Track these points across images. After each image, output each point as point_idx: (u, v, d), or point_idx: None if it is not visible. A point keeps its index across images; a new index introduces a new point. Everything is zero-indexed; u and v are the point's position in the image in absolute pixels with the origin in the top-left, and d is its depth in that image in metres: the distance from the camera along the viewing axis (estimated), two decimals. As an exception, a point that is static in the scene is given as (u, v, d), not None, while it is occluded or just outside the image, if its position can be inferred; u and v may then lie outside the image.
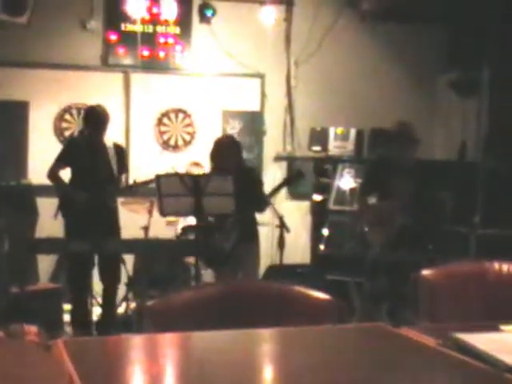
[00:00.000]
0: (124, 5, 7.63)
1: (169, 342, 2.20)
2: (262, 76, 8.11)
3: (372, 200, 5.91)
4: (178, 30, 7.84)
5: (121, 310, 6.41)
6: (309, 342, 2.20)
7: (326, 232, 7.38)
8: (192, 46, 7.91)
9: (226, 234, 5.77)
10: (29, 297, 5.96)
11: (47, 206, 6.53)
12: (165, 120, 7.89)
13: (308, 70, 8.16)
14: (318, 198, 7.90)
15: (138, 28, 7.70)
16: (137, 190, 6.30)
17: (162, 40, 7.78)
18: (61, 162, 6.11)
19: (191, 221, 6.22)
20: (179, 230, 6.65)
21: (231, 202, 5.39)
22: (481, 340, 2.00)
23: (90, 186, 5.96)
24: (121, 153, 6.34)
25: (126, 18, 7.68)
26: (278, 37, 8.08)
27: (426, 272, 2.82)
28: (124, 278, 6.38)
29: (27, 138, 7.49)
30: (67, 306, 6.30)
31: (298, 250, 7.64)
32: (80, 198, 5.92)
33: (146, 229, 6.32)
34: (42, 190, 6.80)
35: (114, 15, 7.70)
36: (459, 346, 2.00)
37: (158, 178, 5.51)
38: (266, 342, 2.25)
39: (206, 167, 6.74)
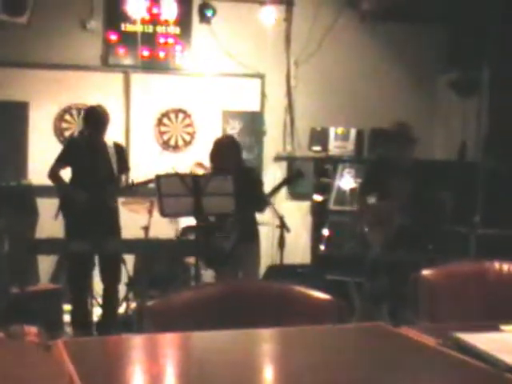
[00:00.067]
0: (124, 5, 7.64)
1: (169, 342, 2.20)
2: (261, 76, 8.11)
3: (371, 200, 5.91)
4: (178, 30, 7.84)
5: (121, 310, 6.41)
6: (309, 342, 2.20)
7: (326, 232, 7.38)
8: (192, 46, 7.92)
9: (226, 234, 5.77)
10: (29, 297, 5.96)
11: (47, 207, 6.54)
12: (165, 120, 7.89)
13: (308, 69, 8.16)
14: (318, 198, 7.90)
15: (138, 28, 7.71)
16: (137, 190, 6.30)
17: (162, 40, 7.78)
18: (61, 161, 6.12)
19: (192, 221, 6.22)
20: (180, 229, 6.66)
21: (231, 201, 5.39)
22: (481, 340, 2.00)
23: (91, 186, 5.96)
24: (121, 152, 6.34)
25: (126, 18, 7.68)
26: (278, 37, 8.08)
27: (426, 272, 2.82)
28: (124, 278, 6.38)
29: (27, 139, 7.49)
30: (67, 307, 6.29)
31: (299, 250, 7.64)
32: (80, 197, 5.93)
33: (146, 229, 6.32)
34: (42, 191, 6.80)
35: (114, 15, 7.70)
36: (459, 345, 2.00)
37: (158, 178, 5.51)
38: (266, 342, 2.25)
39: (209, 166, 6.73)
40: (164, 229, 6.70)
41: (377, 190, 5.87)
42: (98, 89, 7.64)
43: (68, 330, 6.18)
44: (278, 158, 8.19)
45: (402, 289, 5.07)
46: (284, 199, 7.92)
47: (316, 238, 7.69)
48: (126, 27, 7.71)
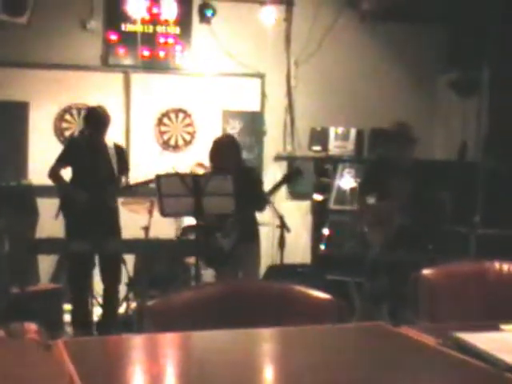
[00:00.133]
0: (124, 5, 7.64)
1: (169, 342, 2.20)
2: (262, 76, 8.11)
3: (371, 200, 5.91)
4: (178, 30, 7.84)
5: (121, 310, 6.41)
6: (309, 342, 2.20)
7: (326, 232, 7.38)
8: (192, 46, 7.92)
9: (226, 234, 5.77)
10: (29, 297, 5.96)
11: (47, 207, 6.54)
12: (165, 120, 7.89)
13: (308, 69, 8.16)
14: (318, 197, 7.90)
15: (138, 28, 7.71)
16: (137, 190, 6.30)
17: (162, 40, 7.78)
18: (61, 161, 6.12)
19: (193, 220, 6.22)
20: (181, 227, 6.66)
21: (231, 201, 5.39)
22: (481, 339, 2.00)
23: (91, 186, 5.96)
24: (121, 153, 6.34)
25: (126, 18, 7.68)
26: (278, 37, 8.08)
27: (426, 272, 2.82)
28: (124, 278, 6.38)
29: (27, 139, 7.49)
30: (68, 307, 6.30)
31: (299, 249, 7.64)
32: (81, 197, 5.93)
33: (146, 229, 6.32)
34: (43, 191, 6.80)
35: (114, 15, 7.70)
36: (459, 345, 2.01)
37: (158, 178, 5.51)
38: (266, 342, 2.25)
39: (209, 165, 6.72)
40: (164, 229, 6.70)
41: (376, 190, 5.87)
42: (98, 89, 7.64)
43: (68, 329, 6.18)
44: (278, 158, 8.19)
45: (401, 289, 5.07)
46: (284, 199, 7.92)
47: (316, 237, 7.69)
48: (126, 27, 7.71)
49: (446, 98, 8.31)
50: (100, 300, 6.23)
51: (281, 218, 5.95)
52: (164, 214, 5.54)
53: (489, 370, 1.86)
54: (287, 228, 5.98)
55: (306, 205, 8.15)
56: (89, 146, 6.08)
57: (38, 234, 6.53)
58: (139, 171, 7.40)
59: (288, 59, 8.16)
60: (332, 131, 7.99)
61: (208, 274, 6.43)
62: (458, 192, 6.67)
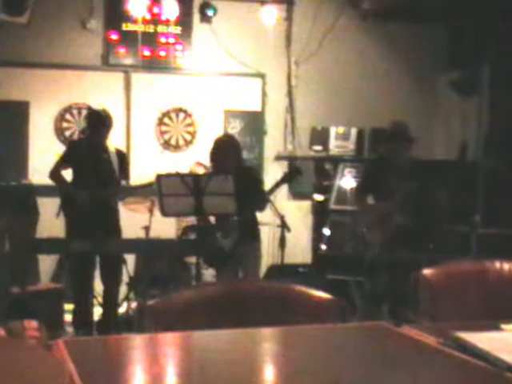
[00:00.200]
0: (125, 4, 7.63)
1: (170, 342, 2.20)
2: (262, 75, 8.11)
3: (370, 200, 5.90)
4: (178, 30, 7.84)
5: (122, 309, 6.41)
6: (310, 342, 2.20)
7: (327, 232, 7.38)
8: (193, 45, 7.91)
9: (227, 234, 5.77)
10: (30, 297, 5.96)
11: (48, 206, 6.54)
12: (166, 120, 7.89)
13: (309, 69, 8.16)
14: (318, 197, 7.90)
15: (138, 27, 7.71)
16: (137, 190, 6.30)
17: (162, 39, 7.78)
18: (62, 162, 6.11)
19: (193, 220, 6.22)
20: (182, 227, 6.66)
21: (232, 201, 5.39)
22: (482, 339, 2.00)
23: (91, 187, 5.96)
24: (122, 158, 6.32)
25: (127, 18, 7.68)
26: (279, 36, 8.08)
27: (426, 271, 2.82)
28: (125, 278, 6.37)
29: (27, 138, 7.49)
30: (68, 306, 6.30)
31: (299, 249, 7.64)
32: (81, 197, 5.92)
33: (147, 228, 6.32)
34: (43, 190, 6.80)
35: (115, 15, 7.70)
36: (460, 344, 2.00)
37: (159, 177, 5.51)
38: (266, 342, 2.25)
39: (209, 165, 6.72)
40: (165, 228, 6.70)
41: (375, 190, 5.85)
42: (99, 88, 7.64)
43: (69, 329, 6.18)
44: (278, 158, 8.19)
45: (401, 288, 5.07)
46: (285, 199, 7.92)
47: (317, 237, 7.69)
48: (127, 27, 7.71)
49: (446, 97, 8.31)
50: (100, 300, 6.22)
51: (281, 217, 5.95)
52: (165, 213, 5.54)
53: (489, 370, 1.86)
54: (288, 228, 5.98)
55: (306, 205, 8.15)
56: (90, 148, 6.07)
57: (38, 234, 6.53)
58: (140, 171, 7.41)
59: (288, 58, 8.16)
60: (333, 131, 8.00)
61: (208, 274, 6.44)
62: (458, 191, 6.66)
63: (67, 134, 7.57)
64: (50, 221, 6.14)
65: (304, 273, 7.25)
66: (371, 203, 5.88)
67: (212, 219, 5.95)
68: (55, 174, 6.11)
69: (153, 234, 6.41)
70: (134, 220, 6.36)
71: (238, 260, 5.76)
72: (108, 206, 6.10)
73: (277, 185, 5.92)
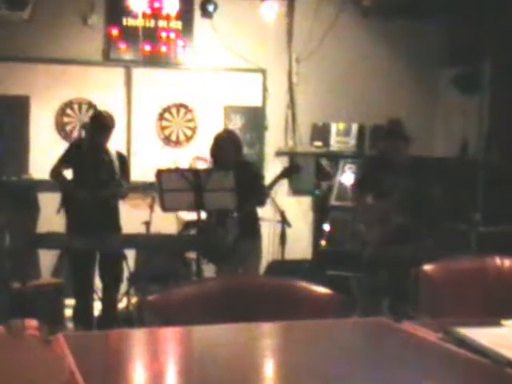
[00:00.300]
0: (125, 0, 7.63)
1: (170, 337, 2.21)
2: (263, 71, 8.10)
3: (368, 198, 5.87)
4: (179, 25, 7.83)
5: (122, 305, 6.41)
6: (310, 336, 2.20)
7: (327, 227, 7.38)
8: (194, 40, 7.90)
9: (227, 230, 5.77)
10: (30, 292, 5.96)
11: (48, 201, 6.54)
12: (166, 115, 7.88)
13: (310, 65, 8.15)
14: (319, 193, 7.90)
15: (139, 23, 7.69)
16: (137, 186, 6.30)
17: (163, 35, 7.76)
18: (63, 162, 6.11)
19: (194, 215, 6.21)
20: (182, 223, 6.66)
21: (233, 197, 5.39)
22: (481, 335, 2.01)
23: (92, 187, 5.95)
24: (123, 161, 6.32)
25: (128, 13, 7.66)
26: (280, 32, 8.08)
27: (427, 267, 2.82)
28: (125, 273, 6.37)
29: (28, 133, 7.48)
30: (69, 301, 6.30)
31: (300, 245, 7.63)
32: (81, 197, 5.92)
33: (147, 224, 6.32)
34: (44, 185, 6.80)
35: (116, 10, 7.68)
36: (460, 340, 2.01)
37: (160, 173, 5.51)
38: (267, 337, 2.25)
39: (209, 160, 6.72)
40: (165, 224, 6.71)
41: (372, 188, 5.82)
42: (100, 84, 7.63)
43: (69, 324, 6.18)
44: (279, 154, 8.18)
45: (401, 284, 5.07)
46: (285, 194, 7.92)
47: (317, 233, 7.69)
48: (128, 22, 7.69)
49: (447, 94, 8.30)
50: (100, 295, 6.22)
51: (282, 213, 5.95)
52: (165, 209, 5.54)
53: (489, 365, 1.86)
54: (288, 223, 5.98)
55: (307, 200, 8.15)
56: (91, 149, 6.07)
57: (38, 229, 6.54)
58: (140, 166, 7.41)
59: (289, 55, 8.16)
60: (333, 127, 7.99)
61: (209, 270, 6.43)
62: (458, 189, 6.66)
63: (68, 129, 7.56)
64: (51, 216, 6.14)
65: (304, 268, 7.26)
66: (369, 201, 5.86)
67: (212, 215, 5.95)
68: (56, 173, 6.10)
69: (153, 229, 6.41)
70: (134, 215, 6.36)
71: (238, 256, 5.76)
72: (108, 203, 6.10)
73: (276, 180, 5.93)
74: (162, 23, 7.76)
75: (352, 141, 7.96)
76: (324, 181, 7.88)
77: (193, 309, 2.42)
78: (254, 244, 5.92)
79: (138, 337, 2.21)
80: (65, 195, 6.06)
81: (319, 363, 1.91)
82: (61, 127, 7.58)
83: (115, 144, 6.40)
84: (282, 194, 7.51)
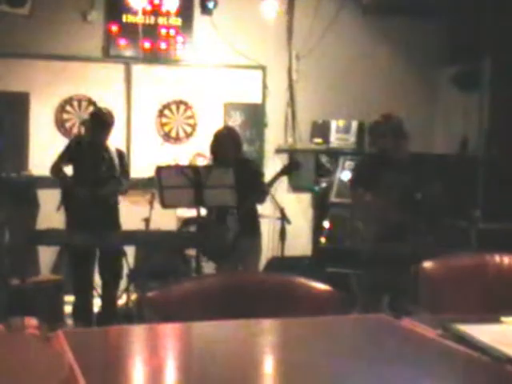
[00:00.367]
0: (125, -4, 7.62)
1: (169, 333, 2.20)
2: (263, 68, 8.10)
3: (366, 195, 5.85)
4: (179, 22, 7.82)
5: (122, 301, 6.42)
6: (310, 333, 2.20)
7: (326, 224, 7.38)
8: (193, 37, 7.90)
9: (227, 227, 5.77)
10: (30, 289, 5.96)
11: (48, 198, 6.54)
12: (166, 112, 7.88)
13: (310, 62, 8.15)
14: (319, 190, 7.90)
15: (139, 19, 7.68)
16: (137, 182, 6.30)
17: (163, 31, 7.76)
18: (63, 159, 6.11)
19: (193, 212, 6.21)
20: (182, 220, 6.66)
21: (232, 194, 5.39)
22: (481, 332, 2.01)
23: (91, 184, 5.95)
24: (123, 159, 6.32)
25: (128, 10, 7.66)
26: (280, 29, 8.07)
27: (426, 264, 2.82)
28: (125, 270, 6.37)
29: (28, 130, 7.48)
30: (68, 298, 6.30)
31: (299, 242, 7.63)
32: (81, 194, 5.92)
33: (147, 221, 6.32)
34: (43, 182, 6.80)
35: (115, 6, 7.68)
36: (460, 337, 2.01)
37: (159, 169, 5.51)
38: (266, 333, 2.25)
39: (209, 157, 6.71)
40: (165, 221, 6.71)
41: (369, 185, 5.78)
42: (99, 80, 7.63)
43: (68, 321, 6.18)
44: (279, 151, 8.18)
45: (401, 281, 5.07)
46: (285, 191, 7.92)
47: (317, 230, 7.69)
48: (127, 18, 7.69)
49: (447, 91, 8.30)
50: (100, 291, 6.22)
51: (282, 210, 5.94)
52: (165, 205, 5.54)
53: (488, 362, 1.86)
54: (288, 220, 5.98)
55: (306, 197, 8.15)
56: (91, 146, 6.07)
57: (38, 226, 6.54)
58: (140, 163, 7.42)
59: (289, 52, 8.15)
60: (333, 124, 7.99)
61: (208, 267, 6.43)
62: (458, 186, 6.66)
63: (67, 125, 7.56)
64: (50, 212, 6.14)
65: (304, 265, 7.26)
66: (367, 198, 5.83)
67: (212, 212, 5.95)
68: (56, 169, 6.10)
69: (153, 226, 6.41)
70: (134, 212, 6.36)
71: (238, 253, 5.76)
72: (108, 200, 6.10)
73: (276, 177, 5.92)
74: (161, 20, 7.75)
75: (352, 138, 7.95)
76: (323, 177, 7.88)
77: (192, 305, 2.42)
78: (253, 241, 5.92)
79: (137, 333, 2.21)
80: (65, 192, 6.06)
81: (319, 360, 1.91)
82: (60, 124, 7.57)
83: (115, 141, 6.41)
84: (281, 190, 7.52)
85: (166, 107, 7.88)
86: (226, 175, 5.43)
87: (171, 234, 6.41)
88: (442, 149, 8.18)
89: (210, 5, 7.75)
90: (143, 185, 6.38)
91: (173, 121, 7.89)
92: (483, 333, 1.99)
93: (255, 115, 8.13)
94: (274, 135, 8.18)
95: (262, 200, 5.91)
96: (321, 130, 8.04)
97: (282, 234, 5.95)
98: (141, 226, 6.33)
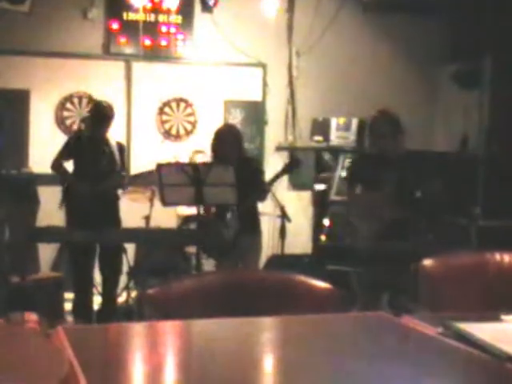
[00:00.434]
0: (126, -7, 7.62)
1: (169, 330, 2.20)
2: (263, 66, 8.10)
3: (358, 190, 5.82)
4: (179, 19, 7.82)
5: (122, 299, 6.42)
6: (310, 331, 2.20)
7: (327, 222, 7.38)
8: (194, 35, 7.89)
9: (227, 224, 5.77)
10: (30, 286, 5.96)
11: (48, 195, 6.55)
12: (166, 109, 7.88)
13: (310, 60, 8.14)
14: (319, 188, 7.90)
15: (139, 17, 7.68)
16: (137, 179, 6.30)
17: (163, 29, 7.76)
18: (64, 154, 6.11)
19: (194, 210, 6.21)
20: (182, 217, 6.66)
21: (233, 192, 5.38)
22: (481, 329, 2.00)
23: (92, 179, 5.96)
24: (123, 151, 6.33)
25: (128, 7, 7.65)
26: (280, 26, 8.06)
27: (426, 262, 2.82)
28: (125, 267, 6.38)
29: (28, 127, 7.48)
30: (68, 295, 6.30)
31: (300, 239, 7.64)
32: (82, 188, 5.92)
33: (147, 218, 6.32)
34: (44, 179, 6.80)
35: (116, 4, 7.68)
36: (460, 335, 2.01)
37: (159, 167, 5.51)
38: (267, 331, 2.25)
39: (209, 154, 6.71)
40: (165, 218, 6.70)
41: (364, 182, 5.77)
42: (100, 78, 7.63)
43: (68, 318, 6.18)
44: (279, 148, 8.18)
45: (400, 279, 5.06)
46: (285, 189, 7.92)
47: (317, 228, 7.69)
48: (128, 16, 7.69)
49: (447, 89, 8.29)
50: (100, 289, 6.23)
51: (282, 208, 5.94)
52: (165, 203, 5.54)
53: (488, 360, 1.86)
54: (288, 218, 5.98)
55: (307, 195, 8.15)
56: (91, 140, 6.07)
57: (38, 223, 6.54)
58: (140, 160, 7.41)
59: (290, 49, 8.15)
60: (333, 122, 7.98)
61: (209, 264, 6.43)
62: (458, 184, 6.65)
63: (68, 122, 7.56)
64: (51, 209, 6.14)
65: (304, 263, 7.26)
66: (361, 194, 5.81)
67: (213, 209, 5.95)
68: (57, 165, 6.11)
69: (153, 223, 6.41)
70: (134, 209, 6.36)
71: (238, 250, 5.75)
72: (109, 196, 6.10)
73: (277, 176, 5.91)
74: (162, 17, 7.75)
75: (352, 136, 7.95)
76: (324, 173, 7.87)
77: (192, 303, 2.42)
78: (254, 239, 5.92)
79: (137, 330, 2.21)
80: (66, 189, 6.06)
81: (319, 358, 1.91)
82: (61, 121, 7.57)
83: (115, 138, 6.40)
84: (282, 188, 7.51)
85: (166, 105, 7.88)
86: (226, 173, 5.43)
87: (171, 232, 6.40)
88: (443, 147, 8.18)
89: (211, 2, 7.75)
90: (144, 178, 6.35)
91: (173, 118, 7.89)
92: (483, 331, 1.99)
93: (255, 113, 8.13)
94: (274, 133, 8.18)
95: (262, 198, 5.90)
96: (321, 127, 8.04)
97: (282, 232, 5.95)
98: (141, 223, 6.34)
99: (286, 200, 6.66)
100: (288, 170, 6.09)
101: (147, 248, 6.74)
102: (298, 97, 8.22)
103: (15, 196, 6.56)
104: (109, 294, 6.20)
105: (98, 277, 6.23)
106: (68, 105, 7.59)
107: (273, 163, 7.79)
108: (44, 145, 7.20)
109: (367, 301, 5.51)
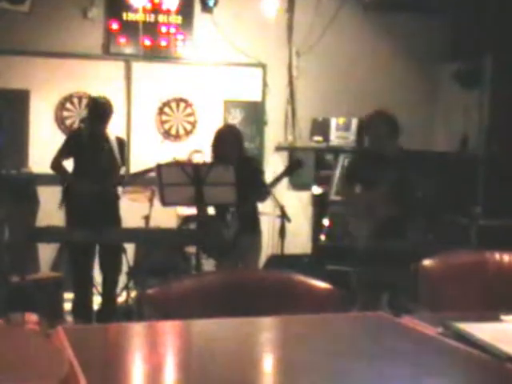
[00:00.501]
0: (126, -7, 7.62)
1: (169, 330, 2.20)
2: (263, 66, 8.09)
3: (355, 188, 5.82)
4: (179, 20, 7.82)
5: (121, 299, 6.42)
6: (310, 331, 2.20)
7: (326, 222, 7.38)
8: (194, 35, 7.89)
9: (227, 224, 5.77)
10: (29, 286, 5.96)
11: (48, 195, 6.55)
12: (166, 109, 7.88)
13: (310, 60, 8.14)
14: (319, 188, 7.90)
15: (139, 17, 7.68)
16: (137, 179, 6.30)
17: (163, 29, 7.76)
18: (63, 153, 6.11)
19: (193, 210, 6.22)
20: (182, 217, 6.66)
21: (233, 192, 5.38)
22: (481, 329, 2.01)
23: (93, 177, 5.96)
24: (123, 146, 6.33)
25: (128, 7, 7.65)
26: (280, 27, 8.06)
27: (426, 262, 2.82)
28: (125, 267, 6.38)
29: (28, 127, 7.48)
30: (68, 295, 6.30)
31: (299, 239, 7.64)
32: (83, 187, 5.92)
33: (147, 218, 6.31)
34: (43, 179, 6.80)
35: (116, 4, 7.67)
36: (459, 335, 2.01)
37: (159, 167, 5.50)
38: (266, 330, 2.25)
39: (208, 154, 6.71)
40: (165, 218, 6.70)
41: (361, 181, 5.77)
42: (100, 78, 7.62)
43: (68, 318, 6.18)
44: (279, 148, 8.18)
45: (400, 279, 5.06)
46: (285, 189, 7.92)
47: (317, 227, 7.69)
48: (128, 16, 7.69)
49: (448, 88, 8.29)
50: (100, 289, 6.23)
51: (281, 208, 5.94)
52: (165, 203, 5.53)
53: (488, 360, 1.86)
54: (288, 218, 5.97)
55: (306, 195, 8.15)
56: (91, 138, 6.07)
57: (38, 223, 6.54)
58: (140, 160, 7.41)
59: (290, 49, 8.14)
60: (333, 122, 7.98)
61: (208, 264, 6.43)
62: (458, 183, 6.65)
63: (68, 122, 7.56)
64: (50, 209, 6.14)
65: (304, 263, 7.26)
66: (357, 193, 5.81)
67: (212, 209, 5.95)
68: (56, 164, 6.10)
69: (153, 223, 6.41)
70: (133, 209, 6.36)
71: (238, 250, 5.75)
72: (108, 195, 6.10)
73: (278, 178, 5.89)
74: (162, 18, 7.74)
75: (352, 136, 7.94)
76: (324, 171, 7.86)
77: (192, 303, 2.42)
78: (254, 239, 5.91)
79: (137, 330, 2.21)
80: (65, 188, 6.06)
81: (318, 357, 1.91)
82: (60, 121, 7.57)
83: (115, 133, 6.40)
84: (281, 188, 7.50)
85: (166, 105, 7.88)
86: (226, 173, 5.42)
87: (171, 232, 6.40)
88: (443, 146, 8.18)
89: (211, 2, 7.75)
90: (143, 177, 6.34)
91: (173, 118, 7.89)
92: (483, 331, 1.99)
93: (255, 113, 8.13)
94: (274, 133, 8.18)
95: (263, 199, 5.90)
96: (321, 127, 8.04)
97: (282, 232, 5.95)
98: (141, 223, 6.33)
99: (285, 200, 6.66)
100: (290, 171, 6.09)
101: (147, 248, 6.74)
102: (298, 97, 8.22)
103: (15, 196, 6.56)
104: (108, 293, 6.20)
105: (97, 277, 6.22)
106: (68, 105, 7.59)
107: (273, 163, 7.80)
108: (44, 145, 7.20)
109: (367, 301, 5.52)
